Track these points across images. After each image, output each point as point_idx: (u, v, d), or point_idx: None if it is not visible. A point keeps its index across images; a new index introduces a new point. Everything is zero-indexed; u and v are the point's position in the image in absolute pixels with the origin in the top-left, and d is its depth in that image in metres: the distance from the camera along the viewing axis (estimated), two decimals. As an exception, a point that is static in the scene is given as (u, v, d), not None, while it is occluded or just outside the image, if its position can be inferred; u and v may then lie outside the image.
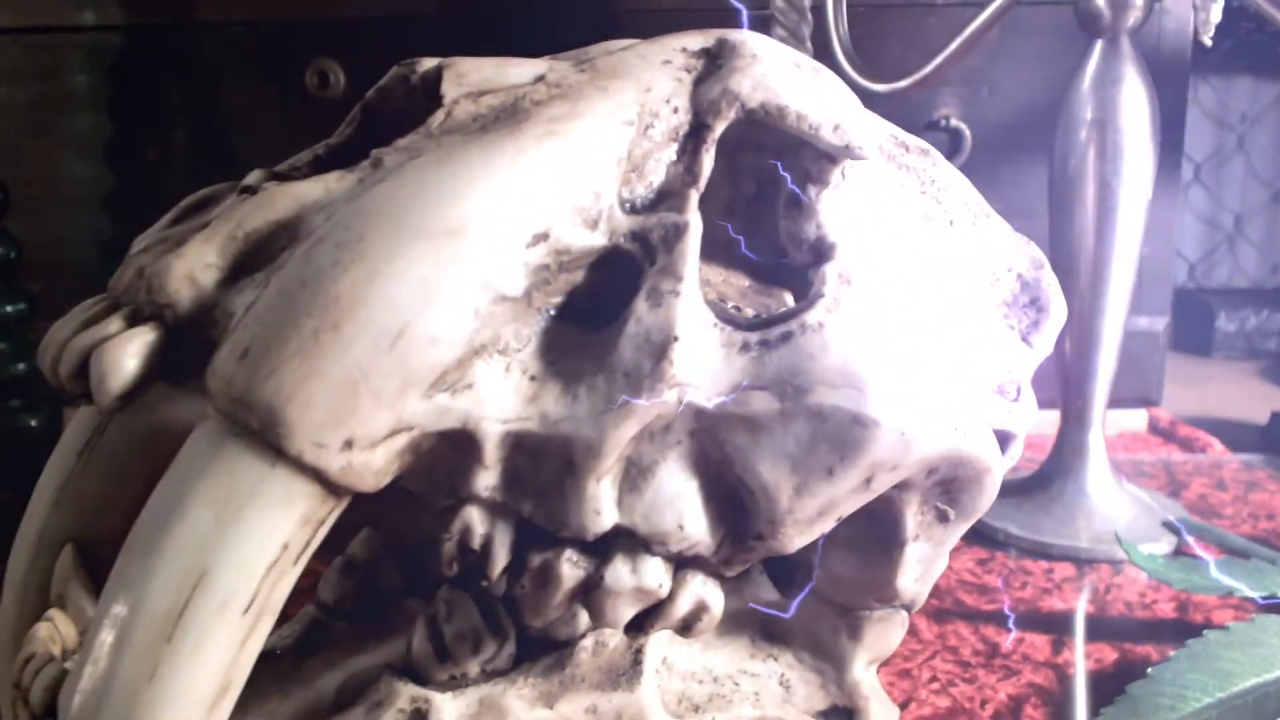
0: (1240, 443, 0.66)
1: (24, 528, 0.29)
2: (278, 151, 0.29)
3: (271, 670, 0.30)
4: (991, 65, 0.63)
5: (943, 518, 0.30)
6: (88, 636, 0.22)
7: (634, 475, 0.25)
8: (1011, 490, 0.52)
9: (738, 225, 0.30)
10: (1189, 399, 0.76)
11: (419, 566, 0.33)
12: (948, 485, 0.29)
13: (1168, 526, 0.48)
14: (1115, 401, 0.52)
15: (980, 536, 0.50)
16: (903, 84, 0.51)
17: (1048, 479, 0.52)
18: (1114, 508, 0.50)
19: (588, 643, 0.28)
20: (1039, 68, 0.63)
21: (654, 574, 0.26)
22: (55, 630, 0.27)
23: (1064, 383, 0.51)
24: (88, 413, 0.29)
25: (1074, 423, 0.51)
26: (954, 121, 0.63)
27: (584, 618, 0.28)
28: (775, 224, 0.29)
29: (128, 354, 0.23)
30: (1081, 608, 0.43)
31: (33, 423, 0.64)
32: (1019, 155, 0.61)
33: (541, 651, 0.28)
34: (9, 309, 0.63)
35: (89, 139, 0.70)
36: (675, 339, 0.24)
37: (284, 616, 0.25)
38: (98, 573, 0.28)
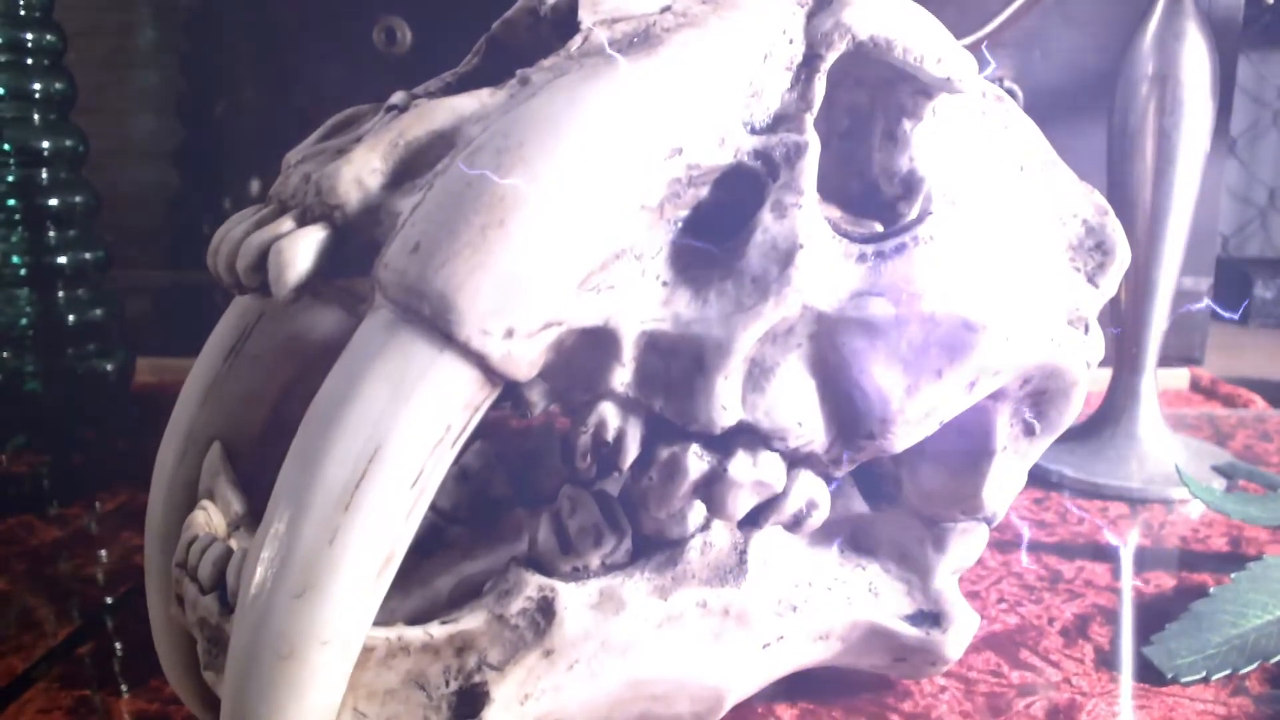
0: (1282, 402, 0.67)
1: (171, 426, 0.31)
2: (344, 108, 0.31)
3: (394, 568, 0.32)
4: (1044, 28, 0.65)
5: (1029, 431, 0.32)
6: (268, 508, 0.23)
7: (757, 375, 0.27)
8: (1066, 435, 0.53)
9: (830, 159, 0.32)
10: (1228, 364, 0.78)
11: (528, 478, 0.35)
12: (1038, 397, 0.31)
13: (1218, 470, 0.50)
14: (1159, 360, 0.54)
15: (1035, 479, 0.52)
16: (961, 43, 0.53)
17: (1101, 424, 0.53)
18: (1166, 451, 0.52)
19: (696, 543, 0.30)
20: (1090, 31, 0.65)
21: (772, 468, 0.28)
22: (209, 519, 0.29)
23: (1119, 330, 0.52)
24: (232, 317, 0.31)
25: (1127, 369, 0.53)
26: (1007, 83, 0.65)
27: (694, 519, 0.30)
28: (866, 160, 0.31)
29: (303, 250, 0.25)
30: (1137, 540, 0.45)
31: (109, 367, 0.67)
32: (1071, 117, 0.63)
33: (655, 550, 0.30)
34: (88, 256, 0.65)
35: (159, 95, 0.72)
36: (800, 246, 0.26)
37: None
38: (242, 470, 0.30)
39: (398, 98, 0.29)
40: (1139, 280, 0.51)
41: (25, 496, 0.53)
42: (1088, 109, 0.54)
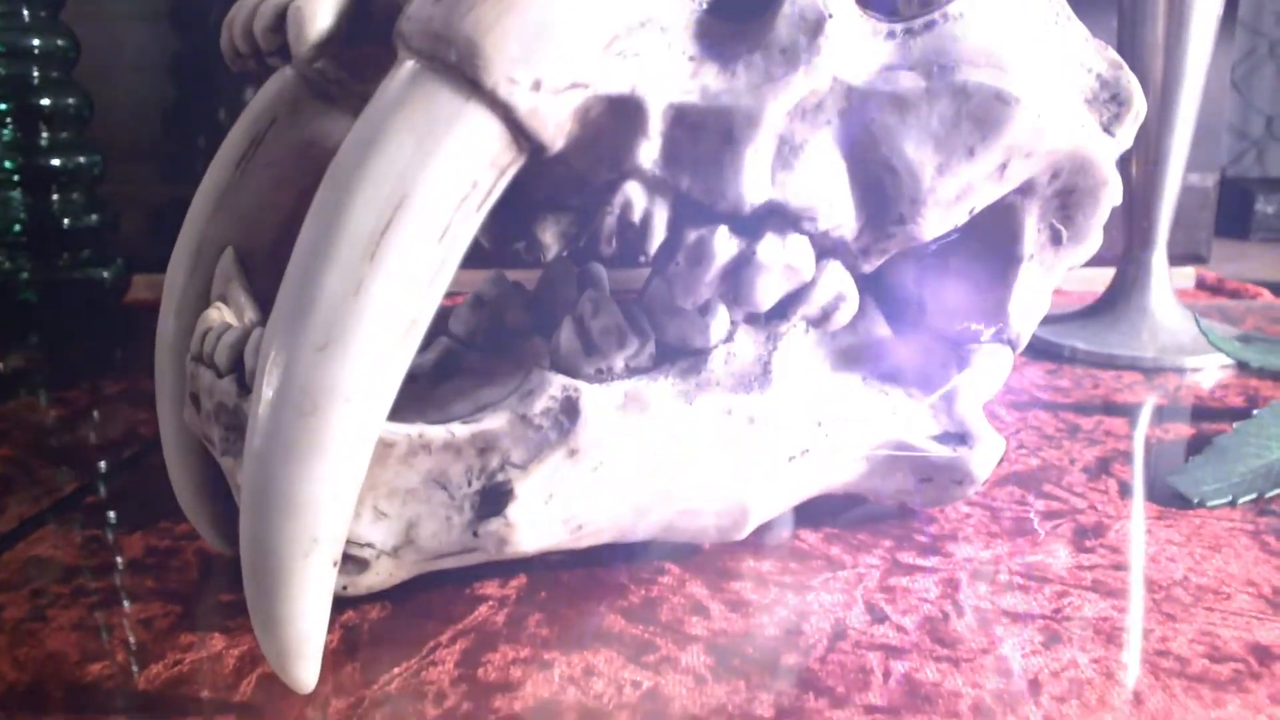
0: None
1: (183, 236, 0.30)
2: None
3: (411, 391, 0.32)
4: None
5: (1056, 239, 0.31)
6: (289, 263, 0.23)
7: (786, 153, 0.26)
8: (1077, 313, 0.53)
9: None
10: (1232, 272, 0.77)
11: (545, 307, 0.35)
12: (1066, 198, 0.30)
13: (1235, 339, 0.50)
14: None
15: (1046, 353, 0.52)
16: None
17: (1112, 298, 0.53)
18: (1177, 323, 0.51)
19: (720, 352, 0.29)
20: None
21: (801, 252, 0.27)
22: (223, 316, 0.28)
23: (1128, 204, 0.52)
24: (245, 124, 0.30)
25: (1138, 242, 0.52)
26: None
27: (717, 330, 0.29)
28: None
29: (323, 7, 0.24)
30: (1154, 400, 0.45)
31: (105, 274, 0.66)
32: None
33: (679, 357, 0.30)
34: (82, 160, 0.64)
35: (152, 2, 0.71)
36: (829, 16, 0.26)
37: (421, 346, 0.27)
38: (256, 278, 0.30)
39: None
40: (1149, 152, 0.51)
41: (25, 386, 0.53)
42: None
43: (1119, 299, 0.53)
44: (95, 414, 0.47)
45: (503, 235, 0.31)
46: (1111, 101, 0.33)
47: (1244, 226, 0.96)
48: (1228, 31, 0.70)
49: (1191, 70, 0.49)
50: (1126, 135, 0.33)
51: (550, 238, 0.30)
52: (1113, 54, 0.33)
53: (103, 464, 0.40)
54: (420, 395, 0.32)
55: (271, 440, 0.22)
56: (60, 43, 0.62)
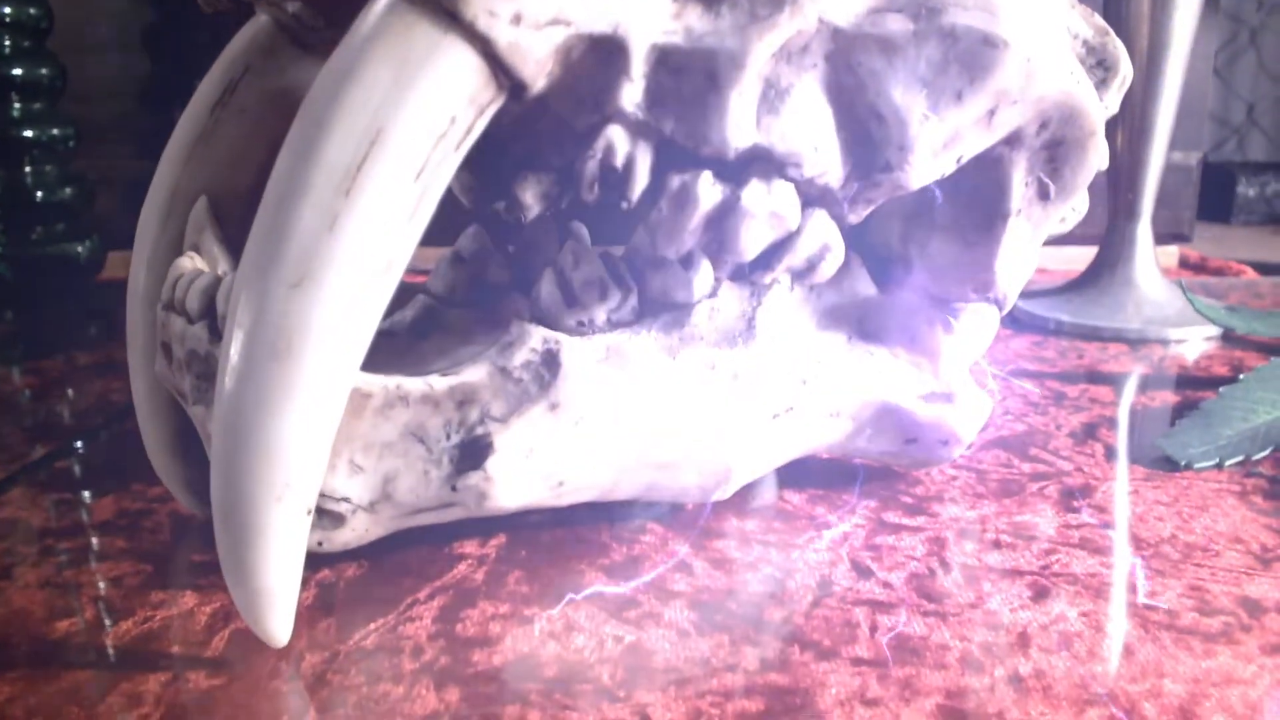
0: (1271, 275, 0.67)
1: (155, 184, 0.29)
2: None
3: (389, 347, 0.31)
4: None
5: (1044, 194, 0.31)
6: (262, 199, 0.22)
7: (772, 97, 0.26)
8: (1061, 287, 0.53)
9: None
10: (1214, 253, 0.77)
11: (525, 264, 0.34)
12: (1054, 150, 0.30)
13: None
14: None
15: (1032, 326, 0.51)
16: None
17: (1097, 271, 0.53)
18: (1162, 295, 0.51)
19: (703, 307, 0.29)
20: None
21: (786, 199, 0.27)
22: (195, 264, 0.28)
23: (1114, 176, 0.52)
24: (218, 71, 0.29)
25: (1123, 215, 0.52)
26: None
27: (700, 285, 0.29)
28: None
29: (295, -63, 0.23)
30: (1140, 370, 0.45)
31: (79, 249, 0.65)
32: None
33: (662, 311, 0.29)
34: (55, 132, 0.63)
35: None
36: (815, -45, 0.25)
37: (397, 305, 0.26)
38: (230, 228, 0.29)
39: None
40: (1134, 125, 0.50)
41: (-4, 357, 0.52)
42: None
43: (1104, 272, 0.53)
44: (68, 384, 0.46)
45: (483, 194, 0.31)
46: (1098, 67, 0.33)
47: (1226, 210, 0.96)
48: (1211, 16, 0.70)
49: (1177, 41, 0.49)
50: (1113, 101, 0.33)
51: (531, 198, 0.29)
52: (1099, 20, 0.33)
53: (74, 431, 0.40)
54: (399, 352, 0.31)
55: (243, 382, 0.22)
56: (32, 11, 0.61)
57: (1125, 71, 0.33)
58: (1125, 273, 0.52)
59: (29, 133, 0.61)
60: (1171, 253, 0.70)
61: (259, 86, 0.29)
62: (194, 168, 0.29)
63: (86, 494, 0.33)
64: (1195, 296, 0.44)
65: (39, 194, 0.62)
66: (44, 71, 0.62)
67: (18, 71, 0.60)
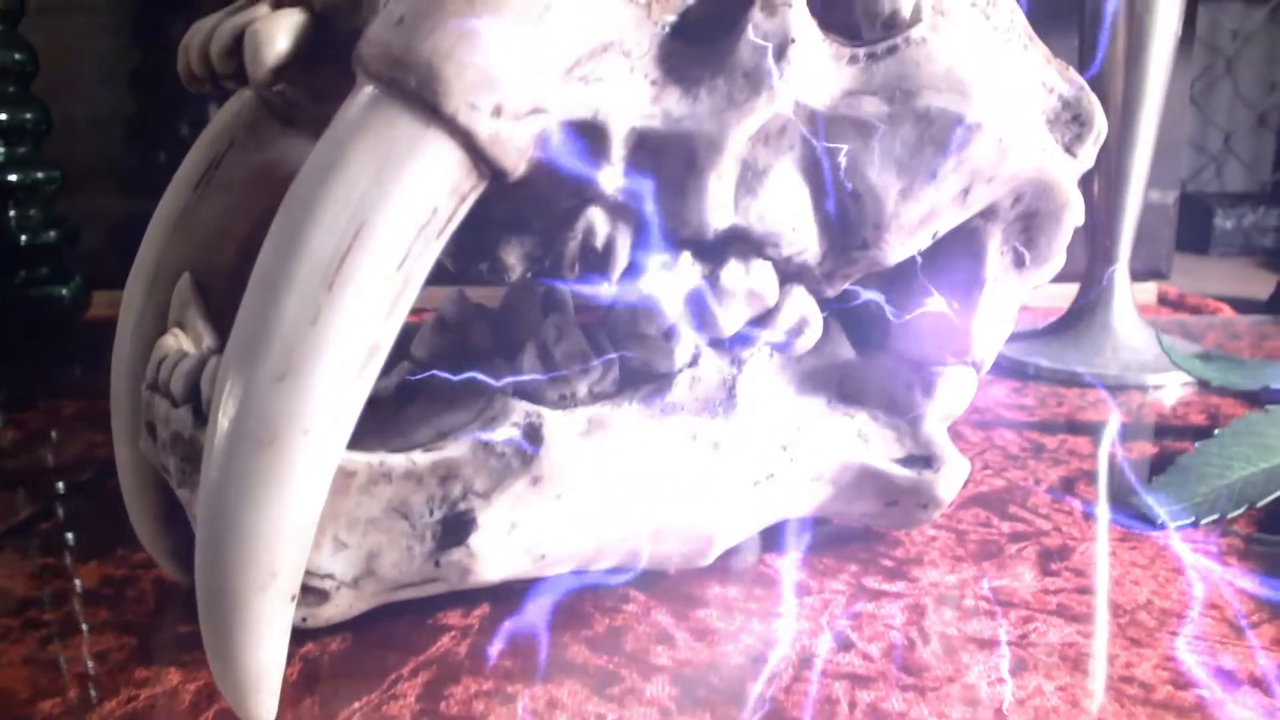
0: (1248, 313, 0.68)
1: (140, 257, 0.29)
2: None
3: (373, 415, 0.31)
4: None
5: (1019, 262, 0.31)
6: (248, 287, 0.22)
7: (750, 178, 0.26)
8: (1040, 331, 0.54)
9: (810, 6, 0.31)
10: (1192, 286, 0.78)
11: (507, 329, 0.35)
12: (1029, 221, 0.30)
13: (1195, 356, 0.50)
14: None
15: (1011, 371, 0.52)
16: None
17: (1075, 315, 0.53)
18: (1140, 341, 0.52)
19: (684, 377, 0.29)
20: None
21: (765, 278, 0.27)
22: (180, 343, 0.28)
23: (1090, 222, 0.52)
24: (203, 146, 0.29)
25: (1100, 260, 0.53)
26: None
27: (681, 354, 0.29)
28: (848, 6, 0.30)
29: (280, 30, 0.24)
30: (1117, 418, 0.45)
31: (64, 292, 0.65)
32: (1043, 23, 0.63)
33: (643, 382, 0.29)
34: (40, 175, 0.63)
35: (113, 15, 0.70)
36: (792, 40, 0.25)
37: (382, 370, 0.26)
38: (214, 302, 0.29)
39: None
40: (1110, 172, 0.51)
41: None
42: (1061, 16, 0.54)
43: (1082, 316, 0.53)
44: (52, 436, 0.46)
45: (466, 255, 0.31)
46: (1073, 122, 0.33)
47: (1204, 241, 0.97)
48: (1186, 49, 0.71)
49: (1151, 89, 0.50)
50: (1088, 156, 0.33)
51: (514, 258, 0.30)
52: (1074, 74, 0.33)
53: (59, 488, 0.40)
54: (383, 419, 0.32)
55: (228, 472, 0.22)
56: (18, 56, 0.61)
57: (1100, 127, 0.33)
58: (1103, 317, 0.52)
59: (13, 177, 0.61)
60: (1150, 289, 0.71)
61: (243, 162, 0.29)
62: (178, 242, 0.29)
63: (70, 559, 0.33)
64: (1171, 346, 0.44)
65: (23, 238, 0.62)
66: (29, 116, 0.62)
67: (2, 116, 0.60)
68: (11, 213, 0.62)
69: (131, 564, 0.33)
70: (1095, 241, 0.53)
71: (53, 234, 0.64)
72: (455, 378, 0.33)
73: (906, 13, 0.29)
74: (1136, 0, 0.48)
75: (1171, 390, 0.50)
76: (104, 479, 0.40)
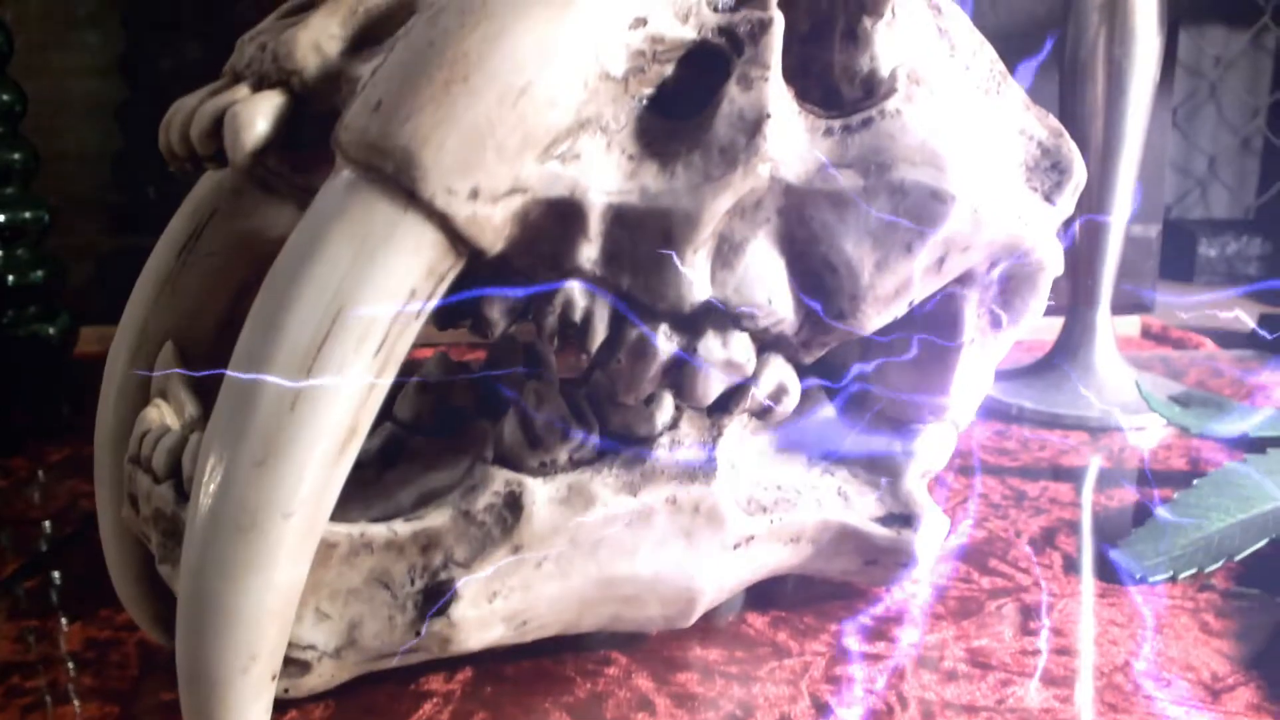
0: (1231, 346, 0.68)
1: (123, 325, 0.30)
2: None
3: (355, 479, 0.31)
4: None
5: (996, 323, 0.32)
6: (228, 371, 0.23)
7: (726, 251, 0.27)
8: (1024, 370, 0.54)
9: (792, 65, 0.31)
10: (1175, 317, 0.78)
11: (490, 389, 0.35)
12: (1005, 284, 0.31)
13: (1174, 399, 0.51)
14: (1110, 307, 0.54)
15: (995, 412, 0.52)
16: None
17: (1058, 358, 0.54)
18: (1122, 382, 0.52)
19: (664, 440, 0.29)
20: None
21: (742, 349, 0.27)
22: (162, 415, 0.28)
23: (1072, 263, 0.53)
24: (185, 214, 0.30)
25: (1082, 302, 0.53)
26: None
27: (661, 417, 0.29)
28: (827, 63, 0.31)
29: (259, 113, 0.24)
30: (1099, 463, 0.46)
31: (51, 330, 0.65)
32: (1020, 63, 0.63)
33: (623, 448, 0.29)
34: (28, 215, 0.63)
35: (101, 53, 0.70)
36: (768, 116, 0.26)
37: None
38: (197, 367, 0.29)
39: (354, -23, 0.28)
40: (1091, 212, 0.51)
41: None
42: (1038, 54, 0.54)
43: (1065, 357, 0.54)
44: (37, 486, 0.46)
45: (448, 313, 0.31)
46: (1053, 170, 0.33)
47: (1188, 269, 0.97)
48: (1167, 83, 0.71)
49: (1131, 132, 0.50)
50: (1067, 204, 0.33)
51: (497, 314, 0.30)
52: (1053, 121, 0.34)
53: (44, 542, 0.40)
54: (365, 482, 0.32)
55: (208, 556, 0.22)
56: (6, 97, 0.61)
57: (1079, 176, 0.34)
58: (1086, 359, 0.53)
59: (1, 218, 0.61)
60: (1133, 323, 0.71)
61: (226, 230, 0.30)
62: (161, 310, 0.29)
63: (54, 621, 0.33)
64: (1150, 393, 0.45)
65: (10, 278, 0.62)
66: (17, 156, 0.62)
67: (-10, 157, 0.61)
68: (-1, 253, 0.62)
69: (115, 625, 0.33)
70: (1077, 282, 0.53)
71: (40, 273, 0.64)
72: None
73: (885, 72, 0.29)
74: (1115, 45, 0.49)
75: (1153, 432, 0.50)
76: (89, 532, 0.40)
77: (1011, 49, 0.64)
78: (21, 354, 0.64)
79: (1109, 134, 0.50)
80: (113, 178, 0.73)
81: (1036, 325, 0.34)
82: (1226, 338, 0.70)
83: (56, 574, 0.37)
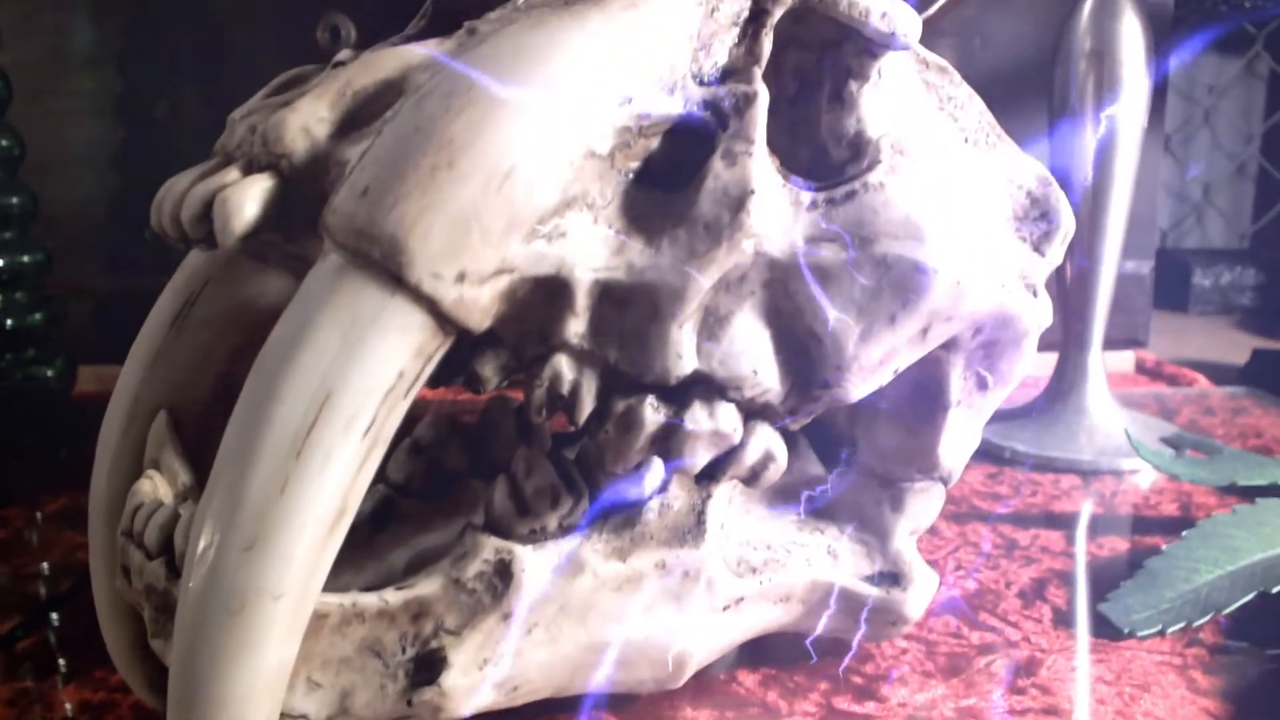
0: (1223, 380, 0.68)
1: (116, 394, 0.30)
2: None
3: (347, 542, 0.32)
4: (984, 17, 0.66)
5: (982, 385, 0.32)
6: (216, 459, 0.23)
7: (712, 324, 0.27)
8: (1016, 412, 0.54)
9: (778, 126, 0.32)
10: (1170, 348, 0.79)
11: (482, 450, 0.35)
12: (989, 349, 0.31)
13: (1166, 441, 0.51)
14: (1104, 343, 0.55)
15: (988, 455, 0.52)
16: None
17: (1050, 400, 0.54)
18: (1114, 425, 0.52)
19: (654, 504, 0.30)
20: (1029, 18, 0.66)
21: (728, 419, 0.28)
22: (155, 488, 0.28)
23: (1063, 306, 0.53)
24: (178, 283, 0.30)
25: (1074, 345, 0.53)
26: (948, 72, 0.66)
27: (651, 480, 0.30)
28: (814, 124, 0.31)
29: (249, 198, 0.24)
30: (1090, 509, 0.46)
31: (49, 373, 0.65)
32: (1011, 105, 0.64)
33: (612, 513, 0.30)
34: (26, 259, 0.63)
35: (97, 97, 0.71)
36: (752, 192, 0.26)
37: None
38: (189, 440, 0.30)
39: (344, 55, 0.28)
40: (1082, 255, 0.52)
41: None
42: (1028, 96, 0.55)
43: (1057, 400, 0.54)
44: (33, 538, 0.46)
45: (441, 371, 0.32)
46: (1041, 220, 0.34)
47: (1182, 299, 0.98)
48: (1158, 113, 0.72)
49: (1121, 174, 0.50)
50: (1056, 254, 0.34)
51: (489, 371, 0.30)
52: (1042, 170, 0.34)
53: (38, 602, 0.40)
54: (357, 545, 0.32)
55: (199, 638, 0.22)
56: (4, 142, 0.62)
57: (1067, 226, 0.34)
58: (1078, 402, 0.53)
59: (0, 261, 0.62)
60: (1127, 358, 0.72)
61: (219, 299, 0.30)
62: (154, 378, 0.30)
63: (48, 682, 0.33)
64: (1140, 443, 0.45)
65: (9, 321, 0.63)
66: (15, 201, 0.62)
67: (-11, 204, 0.61)
68: (-2, 297, 0.62)
69: (109, 687, 0.33)
70: (1068, 325, 0.53)
71: (38, 315, 0.64)
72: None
73: (872, 133, 0.29)
74: (1103, 88, 0.49)
75: (1145, 475, 0.50)
76: (84, 588, 0.40)
77: (999, 93, 0.65)
78: (19, 398, 0.64)
79: (1098, 177, 0.51)
80: (110, 220, 0.73)
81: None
82: (1218, 373, 0.70)
83: (51, 634, 0.37)
